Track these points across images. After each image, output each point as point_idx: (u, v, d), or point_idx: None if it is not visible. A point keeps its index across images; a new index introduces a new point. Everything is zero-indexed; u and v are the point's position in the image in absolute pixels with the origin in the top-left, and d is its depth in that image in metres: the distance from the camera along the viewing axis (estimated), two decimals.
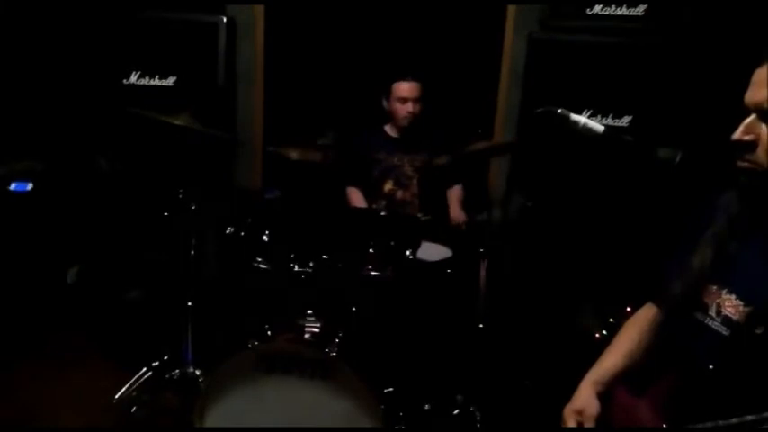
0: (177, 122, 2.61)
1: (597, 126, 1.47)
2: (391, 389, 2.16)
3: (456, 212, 3.11)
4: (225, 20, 3.24)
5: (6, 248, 3.16)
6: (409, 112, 3.00)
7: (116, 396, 2.46)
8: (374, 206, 2.88)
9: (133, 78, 3.29)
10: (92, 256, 3.29)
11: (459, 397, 2.28)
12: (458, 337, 2.31)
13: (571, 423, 1.41)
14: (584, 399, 1.41)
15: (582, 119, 1.49)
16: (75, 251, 3.30)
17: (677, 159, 1.38)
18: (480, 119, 3.30)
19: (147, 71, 3.29)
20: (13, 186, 1.65)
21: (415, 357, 2.25)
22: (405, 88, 3.00)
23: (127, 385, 2.49)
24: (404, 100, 3.00)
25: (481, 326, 2.35)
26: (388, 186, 3.11)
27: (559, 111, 1.52)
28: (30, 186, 1.68)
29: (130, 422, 2.41)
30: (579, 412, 1.40)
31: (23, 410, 2.51)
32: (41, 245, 3.32)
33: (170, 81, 3.28)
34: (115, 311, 3.09)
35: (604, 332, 1.70)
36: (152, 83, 3.29)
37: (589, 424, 1.38)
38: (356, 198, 3.13)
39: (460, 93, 3.39)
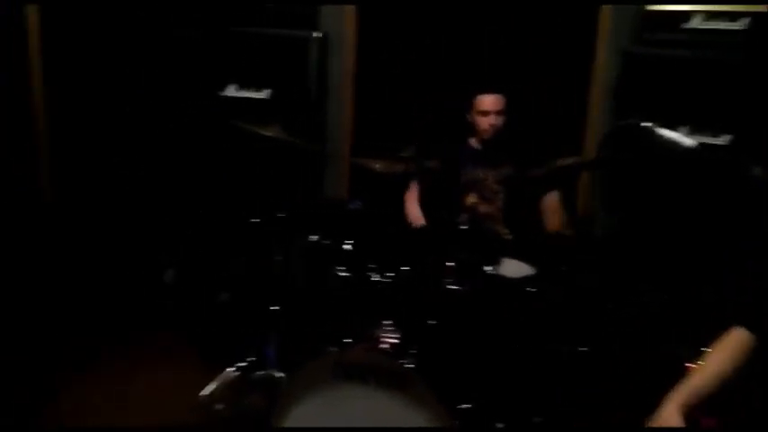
0: (269, 134, 2.73)
1: (685, 140, 1.41)
2: (467, 405, 2.14)
3: (553, 221, 3.02)
4: (317, 35, 3.36)
5: (109, 249, 3.41)
6: (491, 125, 2.96)
7: (201, 393, 2.56)
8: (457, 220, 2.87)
9: (229, 91, 3.46)
10: (187, 259, 3.47)
11: (536, 419, 2.23)
12: (538, 357, 2.25)
13: None
14: (668, 417, 1.37)
15: (669, 133, 1.43)
16: (172, 254, 3.50)
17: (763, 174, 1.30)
18: (569, 134, 3.22)
19: (243, 84, 3.45)
20: None
21: (492, 375, 2.21)
22: (486, 101, 2.96)
23: (212, 383, 2.59)
24: (485, 113, 2.96)
25: (566, 348, 2.29)
26: (471, 200, 3.08)
27: (643, 124, 1.47)
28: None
29: (214, 419, 2.51)
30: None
31: (113, 402, 2.68)
32: (142, 246, 3.55)
33: (264, 94, 3.43)
34: (206, 312, 3.24)
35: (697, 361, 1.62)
36: (247, 95, 3.44)
37: None
38: (411, 208, 3.13)
39: (548, 106, 3.31)
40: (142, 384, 2.83)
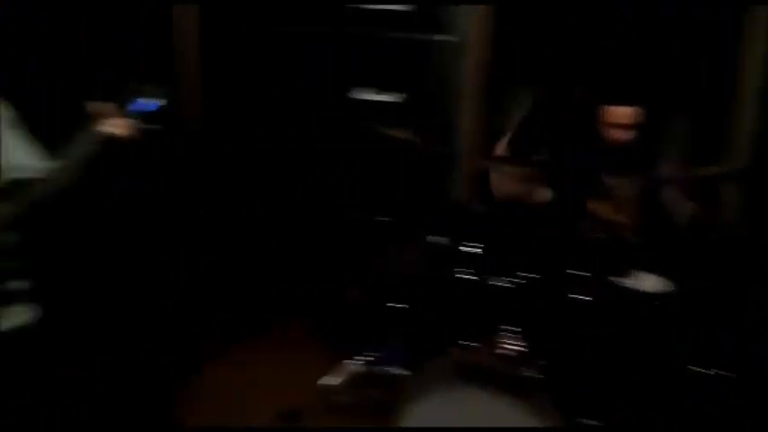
0: (400, 136, 2.80)
1: None
2: (591, 421, 2.08)
3: (681, 207, 2.82)
4: (451, 39, 3.38)
5: (247, 242, 3.62)
6: (625, 140, 2.82)
7: (322, 382, 2.68)
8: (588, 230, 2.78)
9: (362, 94, 3.57)
10: (318, 255, 3.62)
11: None
12: (671, 378, 2.14)
13: None
14: None
15: None
16: (303, 247, 3.67)
17: None
18: (711, 141, 3.01)
19: (374, 87, 3.54)
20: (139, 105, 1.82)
21: (618, 392, 2.13)
22: (620, 114, 2.81)
23: (335, 374, 2.70)
24: (618, 125, 2.82)
25: (713, 372, 2.15)
26: (602, 208, 2.96)
27: None
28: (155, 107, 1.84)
29: (334, 408, 2.61)
30: None
31: (245, 381, 2.86)
32: (276, 240, 3.75)
33: (396, 97, 3.50)
34: (336, 306, 3.37)
35: None
36: (379, 98, 3.53)
37: None
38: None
39: (690, 112, 3.11)
40: (273, 366, 2.99)
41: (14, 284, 1.80)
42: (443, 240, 2.64)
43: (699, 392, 2.13)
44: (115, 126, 1.78)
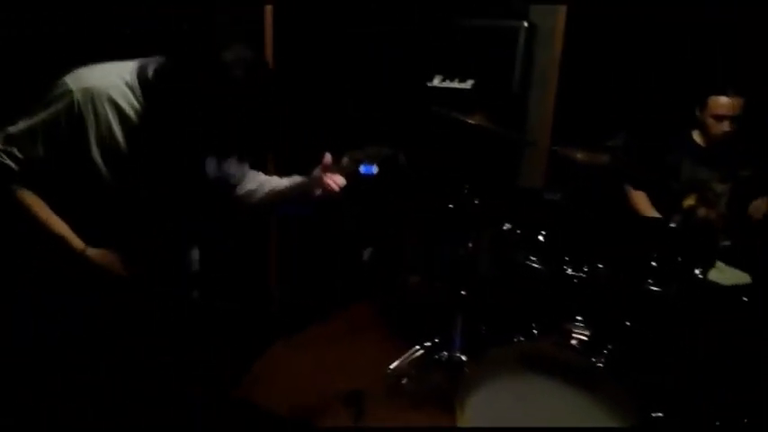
0: (472, 122, 2.76)
1: None
2: (660, 414, 1.99)
3: (760, 212, 2.69)
4: (526, 25, 3.31)
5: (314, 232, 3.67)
6: (725, 132, 2.67)
7: (390, 366, 2.68)
8: (668, 220, 2.66)
9: (436, 81, 3.54)
10: (383, 240, 3.64)
11: None
12: (746, 373, 2.02)
13: None
14: None
15: None
16: (371, 234, 3.69)
17: None
18: None
19: (449, 74, 3.51)
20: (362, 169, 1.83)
21: (690, 385, 2.03)
22: (724, 104, 2.66)
23: (400, 359, 2.70)
24: (721, 117, 2.67)
25: None
26: (688, 201, 2.81)
27: None
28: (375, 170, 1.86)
29: (398, 391, 2.61)
30: None
31: (310, 365, 2.89)
32: (345, 227, 3.78)
33: (468, 84, 3.46)
34: (399, 291, 3.38)
35: None
36: (452, 86, 3.50)
37: None
38: (642, 202, 2.88)
39: None
40: (337, 351, 3.02)
41: None
42: (513, 228, 2.59)
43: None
44: (334, 180, 1.81)
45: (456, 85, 3.50)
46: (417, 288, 3.22)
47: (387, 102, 3.66)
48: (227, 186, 1.91)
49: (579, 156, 2.45)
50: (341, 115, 3.77)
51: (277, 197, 1.93)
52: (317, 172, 1.81)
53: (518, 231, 2.49)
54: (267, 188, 1.94)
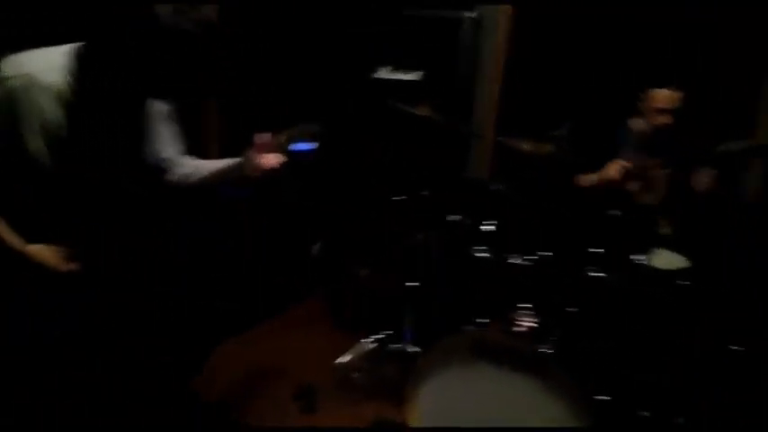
0: (418, 113, 2.76)
1: None
2: (606, 397, 2.04)
3: (705, 182, 2.76)
4: (471, 16, 3.32)
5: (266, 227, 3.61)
6: (665, 123, 2.75)
7: (337, 361, 2.66)
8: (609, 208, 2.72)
9: (383, 73, 3.53)
10: (332, 234, 3.61)
11: (679, 420, 2.07)
12: (686, 353, 2.09)
13: None
14: None
15: None
16: (319, 229, 3.66)
17: None
18: (740, 116, 2.92)
19: (396, 66, 3.50)
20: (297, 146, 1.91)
21: (635, 368, 2.09)
22: (664, 97, 2.74)
23: (349, 351, 2.69)
24: (661, 109, 2.75)
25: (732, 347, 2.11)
26: (631, 187, 2.88)
27: None
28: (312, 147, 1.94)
29: (349, 385, 2.60)
30: None
31: (260, 360, 2.85)
32: (294, 222, 3.73)
33: (415, 75, 3.46)
34: (349, 285, 3.35)
35: None
36: (400, 77, 3.49)
37: None
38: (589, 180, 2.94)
39: (717, 88, 3.02)
40: (288, 347, 2.99)
41: None
42: (460, 219, 2.61)
43: (712, 368, 2.08)
44: (269, 160, 1.86)
45: (404, 76, 3.50)
46: (367, 281, 3.21)
47: (333, 93, 3.62)
48: (160, 171, 1.92)
49: (524, 146, 2.48)
50: (280, 95, 3.69)
51: (215, 179, 1.94)
52: (250, 152, 1.84)
53: (466, 222, 2.51)
54: (203, 171, 1.95)
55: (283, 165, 1.88)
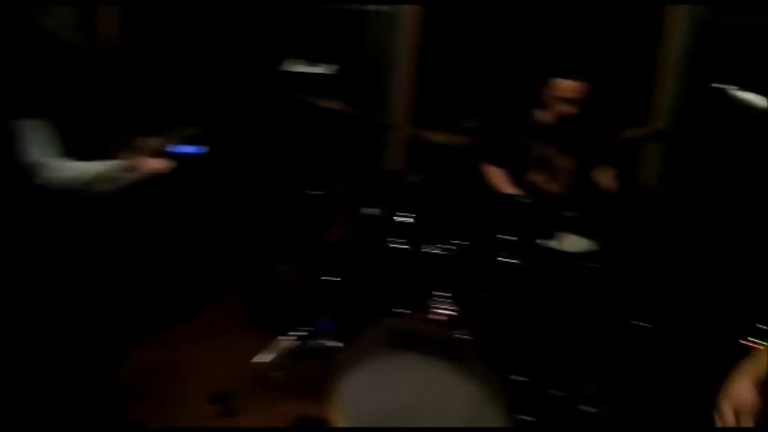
0: (331, 107, 2.74)
1: (762, 101, 1.32)
2: (520, 377, 2.10)
3: (608, 182, 2.89)
4: (382, 9, 3.34)
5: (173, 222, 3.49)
6: (567, 113, 2.85)
7: (254, 360, 2.62)
8: (517, 195, 2.80)
9: (292, 66, 3.48)
10: (247, 231, 3.53)
11: (591, 388, 2.15)
12: (597, 330, 2.19)
13: (729, 414, 1.32)
14: (741, 390, 1.31)
15: (745, 94, 1.34)
16: (233, 227, 3.57)
17: None
18: (636, 104, 3.08)
19: (305, 59, 3.46)
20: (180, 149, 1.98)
21: (547, 347, 2.16)
22: (567, 87, 2.83)
23: (267, 351, 2.64)
24: (563, 99, 2.84)
25: (635, 322, 2.22)
26: (535, 176, 2.98)
27: (722, 87, 1.38)
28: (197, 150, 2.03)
29: (269, 384, 2.55)
30: (737, 404, 1.31)
31: (175, 366, 2.75)
32: (204, 220, 3.63)
33: (328, 69, 3.43)
34: (266, 284, 3.29)
35: (754, 339, 1.54)
36: (311, 70, 3.46)
37: (746, 417, 1.29)
38: (499, 179, 3.01)
39: (615, 75, 3.16)
40: (203, 349, 2.90)
41: None
42: (376, 211, 2.61)
43: (620, 342, 2.19)
44: (151, 163, 1.92)
45: (315, 69, 3.46)
46: (284, 277, 3.16)
47: (242, 86, 3.54)
48: (31, 175, 1.90)
49: (437, 137, 2.52)
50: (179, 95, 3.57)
51: (98, 182, 1.94)
52: (125, 155, 1.88)
53: (381, 214, 2.52)
54: (82, 174, 1.94)
55: (169, 167, 1.93)
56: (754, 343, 1.59)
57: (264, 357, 2.64)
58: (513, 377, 2.10)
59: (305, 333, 2.70)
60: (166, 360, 2.81)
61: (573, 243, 2.40)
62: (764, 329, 1.55)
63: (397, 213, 2.52)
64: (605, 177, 2.84)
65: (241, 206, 3.54)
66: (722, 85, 1.37)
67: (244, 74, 3.50)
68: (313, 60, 3.43)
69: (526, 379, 2.10)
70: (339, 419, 1.85)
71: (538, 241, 2.28)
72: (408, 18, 3.45)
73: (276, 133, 3.50)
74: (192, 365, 2.77)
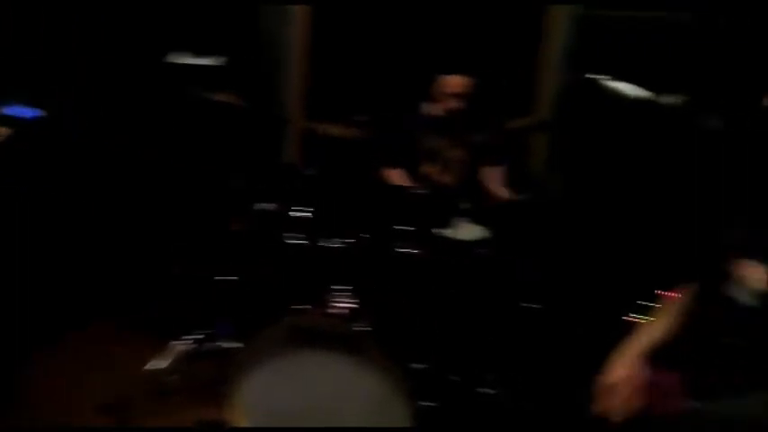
0: (221, 100, 2.66)
1: (634, 90, 1.40)
2: (421, 365, 2.14)
3: (498, 189, 3.02)
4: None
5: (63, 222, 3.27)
6: (455, 107, 2.92)
7: (147, 367, 2.51)
8: (412, 187, 2.85)
9: (177, 57, 3.33)
10: (137, 233, 3.36)
11: (489, 375, 2.24)
12: (492, 317, 2.27)
13: (608, 396, 1.39)
14: (623, 367, 1.39)
15: (618, 84, 1.42)
16: (124, 229, 3.39)
17: (719, 125, 1.30)
18: (521, 96, 3.21)
19: (192, 50, 3.33)
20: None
21: (446, 336, 2.22)
22: (453, 83, 2.90)
23: (162, 357, 2.54)
24: (452, 95, 2.91)
25: (529, 306, 2.31)
26: (428, 168, 3.04)
27: (595, 77, 1.46)
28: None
29: (162, 390, 2.46)
30: (620, 383, 1.38)
31: (65, 379, 2.61)
32: (93, 220, 3.42)
33: (217, 61, 3.32)
34: (159, 286, 3.15)
35: (636, 315, 1.65)
36: (197, 62, 3.33)
37: (629, 393, 1.36)
38: (398, 177, 3.06)
39: (500, 69, 3.28)
40: (95, 360, 2.75)
41: None
42: (272, 206, 2.56)
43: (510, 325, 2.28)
44: None
45: (204, 61, 3.34)
46: (178, 278, 3.04)
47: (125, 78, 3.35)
48: None
49: (331, 130, 2.51)
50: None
51: None
52: None
53: (277, 209, 2.48)
54: None
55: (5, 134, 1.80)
56: (637, 318, 1.69)
57: (159, 363, 2.53)
58: (414, 365, 2.13)
59: (201, 336, 2.62)
60: (59, 368, 2.67)
61: (467, 231, 2.46)
62: (645, 305, 1.65)
63: (294, 208, 2.49)
64: (494, 183, 2.95)
65: (130, 204, 3.36)
66: (595, 76, 1.44)
67: (124, 65, 3.31)
68: (200, 52, 3.31)
69: (426, 366, 2.14)
70: (241, 421, 1.81)
71: (433, 231, 2.32)
72: (299, 12, 3.40)
73: (163, 128, 3.35)
74: (88, 375, 2.63)
